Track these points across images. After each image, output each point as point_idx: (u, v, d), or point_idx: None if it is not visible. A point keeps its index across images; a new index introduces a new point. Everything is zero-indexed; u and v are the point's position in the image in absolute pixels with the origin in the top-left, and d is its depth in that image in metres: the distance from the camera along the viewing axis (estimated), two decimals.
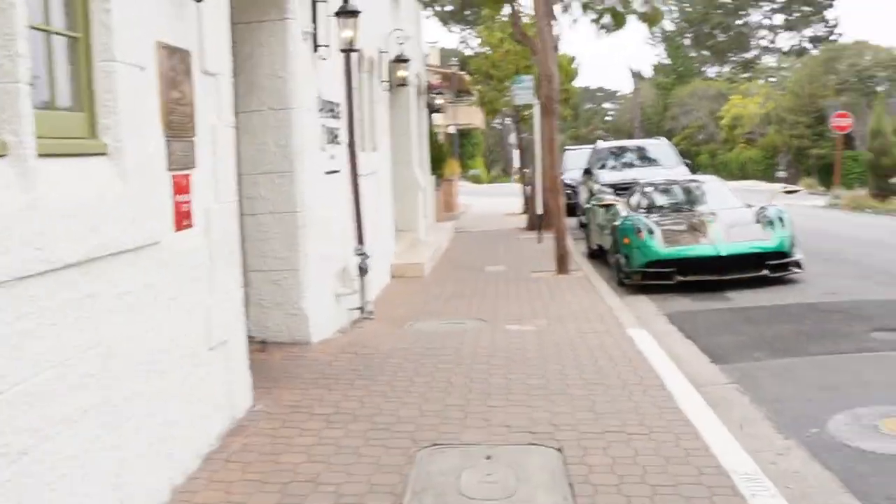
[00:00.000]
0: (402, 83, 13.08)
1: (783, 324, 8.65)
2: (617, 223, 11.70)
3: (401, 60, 12.70)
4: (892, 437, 5.29)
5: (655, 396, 5.94)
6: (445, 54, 61.09)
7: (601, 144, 19.35)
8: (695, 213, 11.91)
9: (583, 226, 17.66)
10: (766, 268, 10.80)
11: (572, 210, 19.20)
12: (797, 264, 11.09)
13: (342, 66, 8.76)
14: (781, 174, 43.30)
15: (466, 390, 6.19)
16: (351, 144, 8.87)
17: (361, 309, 8.91)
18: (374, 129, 11.27)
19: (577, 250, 14.97)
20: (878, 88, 39.42)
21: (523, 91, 16.95)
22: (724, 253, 10.69)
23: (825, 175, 40.47)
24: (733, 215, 11.62)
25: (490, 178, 56.49)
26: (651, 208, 12.47)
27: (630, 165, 18.21)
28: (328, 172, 8.24)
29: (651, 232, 11.09)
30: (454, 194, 27.00)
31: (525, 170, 22.14)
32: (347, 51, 8.52)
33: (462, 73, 41.18)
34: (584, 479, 4.47)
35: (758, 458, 4.93)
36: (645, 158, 18.51)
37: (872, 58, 40.73)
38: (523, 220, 19.93)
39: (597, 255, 14.05)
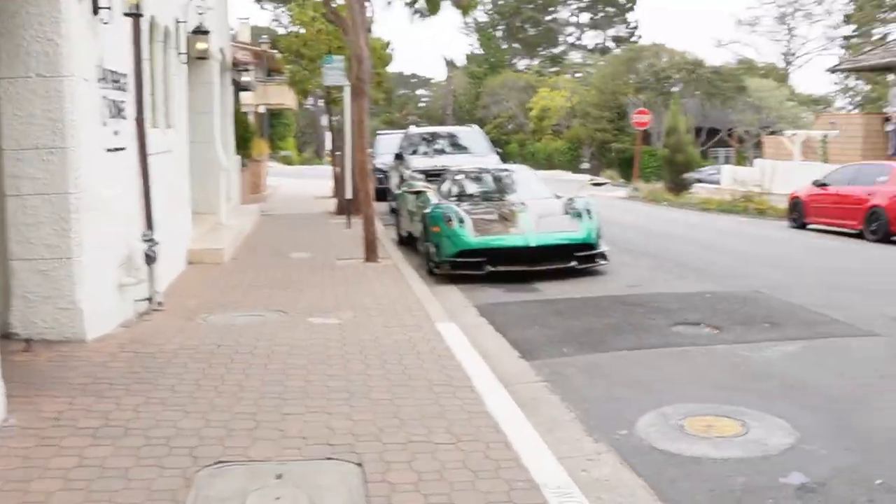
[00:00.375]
0: (203, 56, 12.14)
1: (591, 317, 8.53)
2: (427, 211, 11.33)
3: (200, 32, 11.77)
4: (697, 437, 5.15)
5: (464, 399, 5.55)
6: (257, 32, 59.20)
7: (413, 130, 19.00)
8: (505, 202, 11.73)
9: (393, 212, 17.30)
10: (574, 259, 10.75)
11: (383, 195, 18.78)
12: (603, 256, 11.12)
13: (130, 34, 7.86)
14: (585, 166, 44.80)
15: (259, 395, 5.58)
16: (139, 120, 7.98)
17: (150, 300, 8.07)
18: (170, 104, 10.34)
19: (387, 237, 14.55)
20: (674, 89, 41.40)
21: (333, 72, 16.31)
22: (533, 244, 10.54)
23: (625, 168, 42.18)
24: (543, 206, 11.51)
25: (302, 159, 55.28)
26: (462, 196, 12.19)
27: (441, 152, 17.97)
28: (111, 150, 7.35)
29: (461, 221, 10.79)
30: (262, 175, 25.99)
31: (337, 152, 21.52)
32: (133, 15, 7.64)
33: (273, 51, 39.93)
34: (386, 501, 4.00)
35: (569, 465, 4.64)
36: (456, 145, 18.32)
37: (668, 60, 42.73)
38: (333, 204, 19.32)
39: (407, 243, 13.68)
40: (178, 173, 10.60)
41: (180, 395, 5.57)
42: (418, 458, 4.52)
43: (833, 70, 28.42)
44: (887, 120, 25.91)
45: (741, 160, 27.80)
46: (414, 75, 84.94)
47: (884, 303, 9.38)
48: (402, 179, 16.44)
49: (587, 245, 10.89)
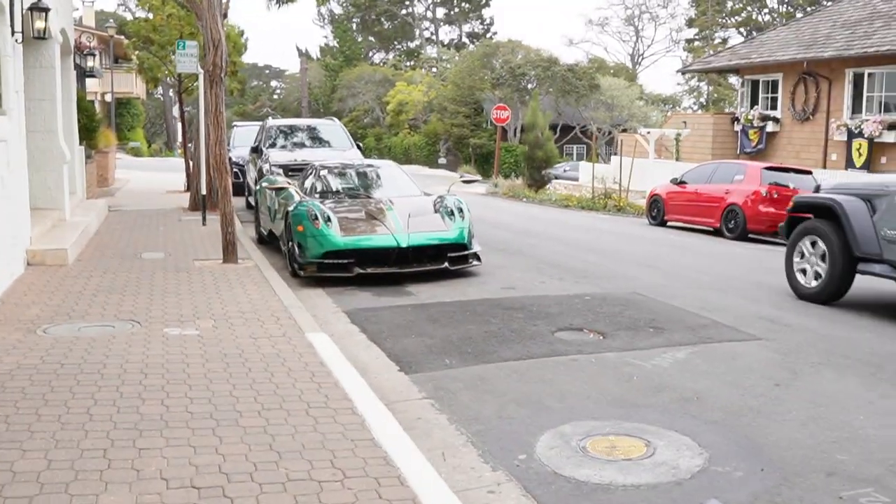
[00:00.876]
0: (41, 36, 10.98)
1: (469, 323, 8.07)
2: (290, 209, 10.60)
3: (38, 9, 10.63)
4: (602, 460, 4.75)
5: (346, 424, 4.96)
6: (102, 17, 56.23)
7: (271, 122, 18.05)
8: (372, 200, 11.13)
9: (251, 207, 16.39)
10: (447, 260, 10.29)
11: (240, 190, 17.82)
12: (476, 256, 10.71)
13: None
14: (442, 161, 44.67)
15: (111, 426, 4.81)
16: None
17: None
18: (3, 88, 9.23)
19: (245, 235, 13.70)
20: (530, 86, 41.78)
21: (186, 59, 15.28)
22: (404, 244, 10.00)
23: (482, 164, 42.29)
24: (412, 204, 10.98)
25: (151, 151, 52.83)
26: (326, 193, 11.50)
27: (301, 145, 17.14)
28: None
29: (328, 220, 10.14)
30: (110, 168, 24.42)
31: (189, 144, 20.38)
32: None
33: (120, 37, 37.80)
34: None
35: (470, 499, 4.14)
36: (316, 139, 17.53)
37: (524, 57, 43.05)
38: (187, 199, 18.20)
39: (267, 242, 12.89)
40: (13, 165, 9.48)
41: (16, 428, 4.74)
42: (302, 501, 3.91)
43: (684, 71, 29.20)
44: (736, 120, 26.79)
45: (594, 157, 28.19)
46: (268, 66, 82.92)
47: (757, 303, 9.36)
48: (261, 174, 15.57)
49: (460, 245, 10.45)
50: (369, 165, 12.56)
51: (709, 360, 6.93)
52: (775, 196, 16.86)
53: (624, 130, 41.89)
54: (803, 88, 24.94)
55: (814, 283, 9.57)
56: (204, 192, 15.02)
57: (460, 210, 10.80)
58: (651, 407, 5.70)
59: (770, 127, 25.82)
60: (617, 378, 6.43)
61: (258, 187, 13.47)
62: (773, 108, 26.10)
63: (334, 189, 11.65)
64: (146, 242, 12.51)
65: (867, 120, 22.76)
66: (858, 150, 23.24)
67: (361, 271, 9.86)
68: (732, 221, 17.20)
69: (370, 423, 4.98)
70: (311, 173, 12.19)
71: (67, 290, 8.76)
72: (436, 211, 10.80)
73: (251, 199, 16.11)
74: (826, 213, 9.57)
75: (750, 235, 17.13)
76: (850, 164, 23.23)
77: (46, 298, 8.36)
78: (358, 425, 4.95)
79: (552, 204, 23.70)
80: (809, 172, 17.97)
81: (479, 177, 12.56)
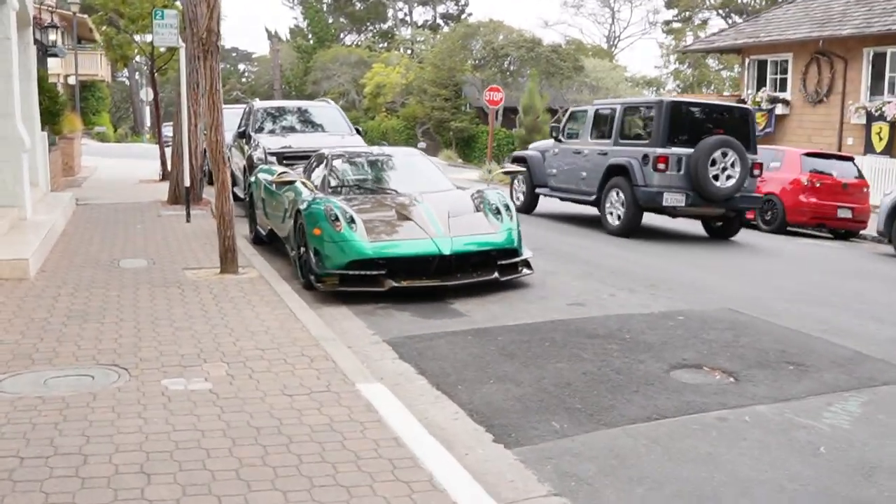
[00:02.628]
0: None
1: (556, 360, 6.15)
2: (302, 207, 8.59)
3: None
4: None
5: None
6: None
7: (258, 104, 15.96)
8: (400, 195, 9.12)
9: (238, 199, 14.25)
10: (496, 269, 8.37)
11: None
12: (527, 264, 8.80)
13: None
14: (422, 145, 42.61)
15: None
16: None
17: None
18: None
19: (238, 234, 11.64)
20: (512, 67, 39.86)
21: (166, 30, 13.14)
22: (447, 251, 8.05)
23: (463, 148, 40.34)
24: (448, 200, 9.01)
25: (117, 136, 50.15)
26: (341, 188, 9.47)
27: (293, 130, 15.06)
28: None
29: (351, 221, 8.17)
30: (76, 155, 22.08)
31: (166, 126, 18.20)
32: None
33: (83, 16, 35.12)
34: None
35: None
36: (310, 123, 15.44)
37: (505, 37, 41.07)
38: (164, 190, 15.99)
39: (265, 242, 10.86)
40: None
41: None
42: None
43: (685, 50, 27.39)
44: (742, 102, 25.05)
45: None
46: (235, 49, 79.98)
47: (881, 322, 7.57)
48: (252, 163, 13.50)
49: (510, 251, 8.54)
50: (388, 154, 10.49)
51: (893, 415, 5.12)
52: (818, 185, 15.15)
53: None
54: (816, 69, 23.25)
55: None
56: (187, 183, 12.94)
57: (507, 207, 8.87)
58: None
59: (779, 110, 24.13)
60: (799, 451, 4.58)
61: (253, 178, 11.41)
62: (783, 89, 24.41)
63: (351, 182, 9.61)
64: (124, 245, 10.42)
65: (889, 102, 21.12)
66: (879, 133, 21.62)
67: (396, 285, 7.90)
68: (770, 213, 15.45)
69: None
70: (319, 163, 10.16)
71: (29, 318, 6.70)
72: (477, 209, 8.84)
73: (238, 191, 14.01)
74: (522, 161, 15.82)
75: (789, 228, 15.41)
76: (869, 148, 21.62)
77: (1, 331, 6.31)
78: None
79: None
80: (851, 159, 16.27)
81: (522, 168, 10.55)
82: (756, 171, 13.18)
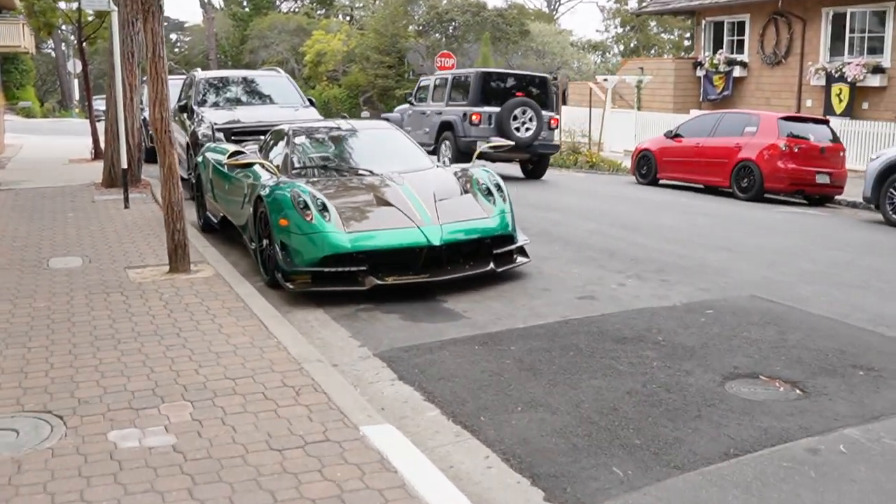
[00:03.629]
0: None
1: (590, 375, 5.08)
2: (264, 193, 7.35)
3: None
4: None
5: None
6: None
7: (200, 74, 14.48)
8: (376, 177, 7.89)
9: (183, 180, 12.82)
10: (492, 260, 7.26)
11: (154, 155, 14.24)
12: (523, 251, 7.70)
13: None
14: (366, 115, 41.19)
15: None
16: None
17: None
18: None
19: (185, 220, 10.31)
20: (457, 33, 38.56)
21: None
22: (436, 240, 6.89)
23: None
24: (430, 180, 7.81)
25: (44, 111, 47.56)
26: (308, 169, 8.19)
27: (240, 102, 13.67)
28: None
29: (323, 209, 6.97)
30: None
31: (98, 100, 16.64)
32: None
33: None
34: None
35: None
36: (259, 94, 14.06)
37: (449, 1, 39.69)
38: (97, 170, 14.49)
39: (216, 229, 9.59)
40: None
41: None
42: None
43: (639, 13, 26.43)
44: (699, 65, 24.23)
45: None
46: (166, 18, 76.93)
47: None
48: (197, 140, 12.12)
49: (505, 238, 7.43)
50: (357, 128, 9.18)
51: None
52: (796, 150, 14.31)
53: (554, 78, 39.18)
54: (774, 30, 22.48)
55: None
56: (124, 164, 11.53)
57: (498, 187, 7.73)
58: None
59: (737, 72, 23.34)
60: None
61: (201, 158, 10.08)
62: (740, 51, 23.61)
63: (318, 163, 8.33)
64: (53, 239, 9.05)
65: (849, 63, 20.44)
66: (839, 95, 20.96)
67: (380, 283, 6.74)
68: (746, 179, 14.60)
69: None
70: (278, 140, 8.87)
71: None
72: (465, 190, 7.67)
73: (181, 171, 12.57)
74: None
75: (766, 195, 14.60)
76: (828, 110, 20.93)
77: None
78: None
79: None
80: (826, 122, 15.48)
81: (504, 140, 9.48)
82: (553, 125, 16.34)
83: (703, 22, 24.53)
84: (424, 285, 6.93)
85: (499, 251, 7.31)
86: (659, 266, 8.07)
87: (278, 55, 45.88)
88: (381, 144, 8.71)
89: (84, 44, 18.14)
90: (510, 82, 16.35)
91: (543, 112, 15.73)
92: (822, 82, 21.19)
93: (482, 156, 13.26)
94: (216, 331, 5.67)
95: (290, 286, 6.85)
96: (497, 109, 15.48)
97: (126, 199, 11.21)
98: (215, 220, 9.45)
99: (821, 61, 21.35)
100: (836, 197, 15.11)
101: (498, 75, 16.68)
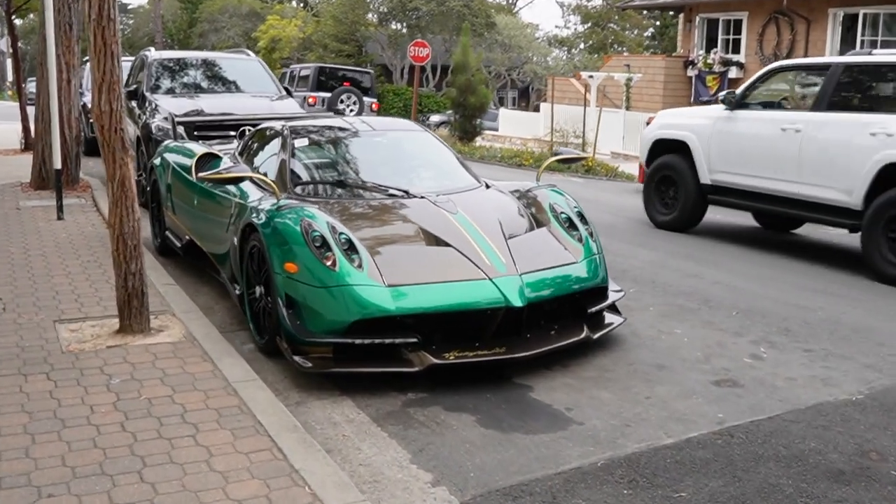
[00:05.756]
0: None
1: None
2: (259, 220, 5.05)
3: None
4: None
5: None
6: None
7: (153, 54, 11.96)
8: (416, 200, 5.49)
9: (139, 186, 10.26)
10: (585, 321, 5.08)
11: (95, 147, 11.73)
12: (614, 307, 5.53)
13: None
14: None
15: None
16: None
17: None
18: None
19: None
20: (421, 23, 36.21)
21: None
22: (519, 300, 4.65)
23: None
24: (491, 207, 5.54)
25: None
26: (315, 187, 5.83)
27: (202, 89, 11.27)
28: None
29: (351, 248, 4.72)
30: None
31: (30, 82, 14.11)
32: None
33: None
34: None
35: None
36: (224, 80, 11.65)
37: None
38: (27, 165, 11.79)
39: (176, 253, 7.24)
40: None
41: None
42: None
43: (624, 7, 24.49)
44: (691, 64, 22.35)
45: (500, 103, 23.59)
46: None
47: None
48: (150, 135, 9.69)
49: (599, 290, 5.25)
50: (377, 127, 6.65)
51: None
52: None
53: (511, 71, 37.23)
54: (775, 29, 20.65)
55: None
56: (58, 163, 9.06)
57: (581, 217, 5.55)
58: None
59: (733, 73, 21.48)
60: None
61: (158, 161, 7.68)
62: (735, 51, 21.78)
63: (330, 177, 6.00)
64: None
65: None
66: None
67: (439, 363, 4.50)
68: None
69: None
70: (264, 142, 6.54)
71: None
72: (535, 222, 5.47)
73: (140, 177, 10.11)
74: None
75: None
76: None
77: None
78: None
79: (499, 162, 18.48)
80: None
81: (581, 153, 7.22)
82: (374, 108, 21.50)
83: (696, 18, 22.64)
84: (498, 364, 4.71)
85: (593, 309, 5.13)
86: (779, 322, 5.99)
87: (229, 40, 42.87)
88: (410, 152, 6.39)
89: (13, 14, 15.45)
90: (339, 74, 22.77)
91: (365, 98, 21.79)
92: None
93: None
94: (204, 464, 3.40)
95: (303, 363, 4.56)
96: (328, 94, 21.10)
97: (60, 208, 8.75)
98: (178, 244, 7.08)
99: None
100: None
101: (330, 70, 23.59)
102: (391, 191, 5.63)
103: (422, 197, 5.50)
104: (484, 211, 5.38)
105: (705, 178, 9.22)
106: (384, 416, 4.22)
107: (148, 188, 8.07)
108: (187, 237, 6.83)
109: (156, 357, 4.66)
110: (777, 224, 10.07)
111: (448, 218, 5.17)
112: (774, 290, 7.01)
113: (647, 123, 10.59)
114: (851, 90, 8.04)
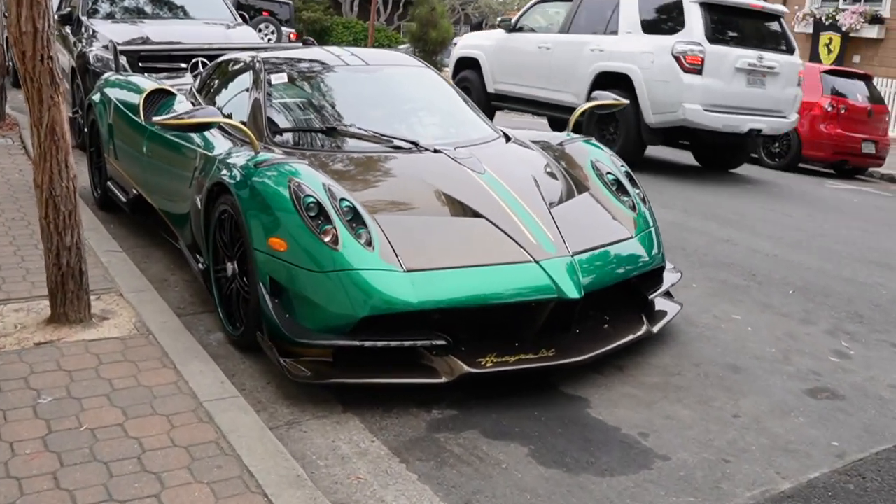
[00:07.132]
0: None
1: None
2: (231, 178, 3.92)
3: None
4: None
5: None
6: None
7: None
8: (427, 153, 4.38)
9: (75, 127, 8.86)
10: (644, 311, 4.10)
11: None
12: (667, 293, 4.52)
13: None
14: None
15: None
16: None
17: None
18: None
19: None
20: None
21: None
22: (575, 291, 3.60)
23: (318, 42, 34.72)
24: (520, 164, 4.50)
25: None
26: (299, 137, 4.62)
27: (145, 14, 9.89)
28: None
29: (356, 219, 3.63)
30: None
31: None
32: None
33: None
34: None
35: None
36: (170, 4, 10.29)
37: None
38: None
39: (115, 208, 6.07)
40: None
41: None
42: None
43: None
44: None
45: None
46: None
47: None
48: (87, 66, 8.35)
49: (656, 271, 4.26)
50: (371, 61, 5.30)
51: None
52: (842, 111, 11.61)
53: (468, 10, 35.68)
54: None
55: None
56: None
57: (630, 178, 4.53)
58: None
59: None
60: None
61: (98, 97, 6.40)
62: None
63: (319, 123, 4.77)
64: None
65: (844, 10, 17.92)
66: (828, 45, 18.51)
67: (474, 371, 3.47)
68: (779, 145, 11.83)
69: None
70: (229, 77, 5.33)
71: None
72: (575, 185, 4.41)
73: (75, 115, 8.75)
74: None
75: (801, 165, 11.91)
76: (814, 61, 18.45)
77: None
78: None
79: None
80: (869, 78, 12.78)
81: (620, 98, 6.26)
82: (294, 39, 18.43)
83: None
84: (543, 371, 3.70)
85: (653, 295, 4.14)
86: (845, 305, 5.12)
87: None
88: (412, 93, 5.24)
89: None
90: (258, 7, 21.70)
91: (283, 28, 20.41)
92: (810, 30, 18.67)
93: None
94: None
95: (296, 371, 3.47)
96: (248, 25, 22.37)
97: None
98: (124, 199, 5.88)
99: (808, 6, 18.77)
100: (871, 169, 12.58)
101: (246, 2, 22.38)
102: (397, 142, 4.49)
103: (436, 150, 4.38)
104: (516, 170, 4.31)
105: (490, 87, 11.70)
106: (407, 446, 3.19)
107: (85, 129, 6.80)
108: (135, 191, 5.64)
109: (99, 361, 3.55)
110: (715, 162, 10.74)
111: (475, 179, 4.08)
112: (820, 260, 6.12)
113: (454, 45, 12.88)
114: (583, 19, 10.31)
